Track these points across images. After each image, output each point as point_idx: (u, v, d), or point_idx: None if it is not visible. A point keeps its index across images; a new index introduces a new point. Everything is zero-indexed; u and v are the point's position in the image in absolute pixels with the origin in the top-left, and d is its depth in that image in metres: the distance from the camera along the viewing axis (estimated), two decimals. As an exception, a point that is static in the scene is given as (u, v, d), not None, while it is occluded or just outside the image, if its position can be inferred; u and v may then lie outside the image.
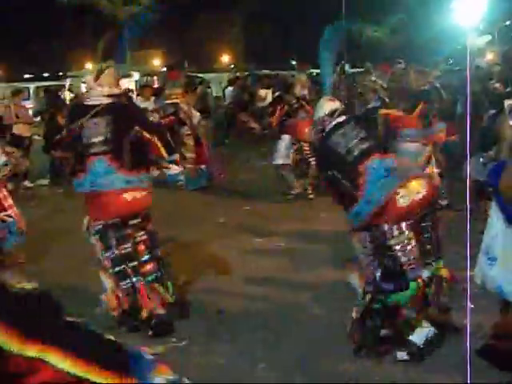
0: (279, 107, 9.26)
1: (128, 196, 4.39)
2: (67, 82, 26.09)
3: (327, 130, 3.97)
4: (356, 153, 3.80)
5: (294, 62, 25.59)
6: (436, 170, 7.58)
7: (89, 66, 33.24)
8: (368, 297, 3.87)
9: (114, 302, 4.48)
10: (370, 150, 3.82)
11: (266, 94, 13.54)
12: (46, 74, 45.02)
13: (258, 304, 4.85)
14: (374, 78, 8.49)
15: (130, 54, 30.25)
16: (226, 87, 17.48)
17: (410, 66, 9.33)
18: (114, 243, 4.43)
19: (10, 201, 5.88)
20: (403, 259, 3.78)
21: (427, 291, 3.86)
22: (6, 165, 6.14)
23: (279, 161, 8.80)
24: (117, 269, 4.45)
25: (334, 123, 3.96)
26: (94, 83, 4.55)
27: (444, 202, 7.53)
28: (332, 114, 4.00)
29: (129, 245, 4.44)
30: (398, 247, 3.78)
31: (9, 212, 5.74)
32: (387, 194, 3.71)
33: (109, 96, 4.50)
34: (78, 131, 4.44)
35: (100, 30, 30.67)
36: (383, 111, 4.05)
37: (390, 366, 3.84)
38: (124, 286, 4.45)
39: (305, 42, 34.39)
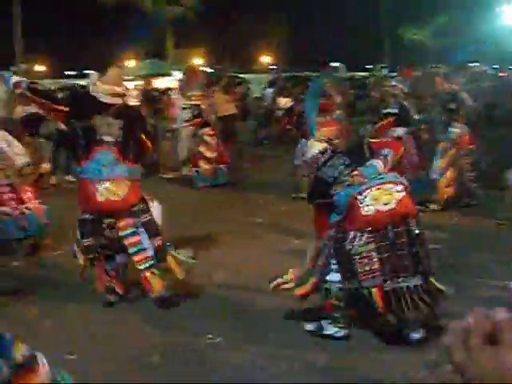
0: (287, 118, 9.33)
1: (121, 189, 4.77)
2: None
3: (319, 164, 4.31)
4: (342, 178, 4.12)
5: (333, 64, 25.55)
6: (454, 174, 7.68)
7: (130, 63, 33.69)
8: (311, 279, 4.22)
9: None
10: (352, 171, 4.12)
11: (286, 103, 13.50)
12: (89, 71, 45.77)
13: (294, 304, 4.89)
14: (394, 83, 8.49)
15: (172, 52, 30.61)
16: (266, 88, 17.53)
17: (437, 69, 9.34)
18: (94, 234, 4.86)
19: (29, 194, 6.40)
20: (359, 269, 3.94)
21: (385, 301, 3.96)
22: (29, 165, 6.44)
23: (296, 161, 8.84)
24: (90, 255, 4.91)
25: (324, 158, 4.30)
26: (98, 81, 4.97)
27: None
28: (323, 152, 4.32)
29: (105, 237, 4.86)
30: (357, 257, 3.94)
31: (27, 205, 6.30)
32: (349, 198, 4.00)
33: (113, 95, 4.87)
34: (90, 125, 4.79)
35: (142, 29, 31.18)
36: (371, 140, 4.51)
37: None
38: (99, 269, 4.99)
39: (342, 43, 34.30)
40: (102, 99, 4.88)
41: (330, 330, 4.20)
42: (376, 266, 3.93)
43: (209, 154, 9.97)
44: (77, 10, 36.55)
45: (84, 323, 4.76)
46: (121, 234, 4.82)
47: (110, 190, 4.74)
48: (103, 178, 4.73)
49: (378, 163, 4.05)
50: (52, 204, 7.22)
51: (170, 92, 13.24)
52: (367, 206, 3.93)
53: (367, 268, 3.93)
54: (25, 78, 5.28)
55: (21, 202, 6.30)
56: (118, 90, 4.95)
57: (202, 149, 9.94)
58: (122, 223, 4.82)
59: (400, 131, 8.20)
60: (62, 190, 10.10)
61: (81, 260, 4.98)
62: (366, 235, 3.95)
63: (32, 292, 5.41)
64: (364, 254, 3.93)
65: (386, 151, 4.15)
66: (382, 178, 4.04)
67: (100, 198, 4.73)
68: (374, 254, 3.93)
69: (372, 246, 3.94)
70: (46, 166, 10.13)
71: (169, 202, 8.95)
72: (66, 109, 4.88)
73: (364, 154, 4.22)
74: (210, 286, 5.41)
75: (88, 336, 4.53)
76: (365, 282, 3.95)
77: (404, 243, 3.95)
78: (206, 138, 9.96)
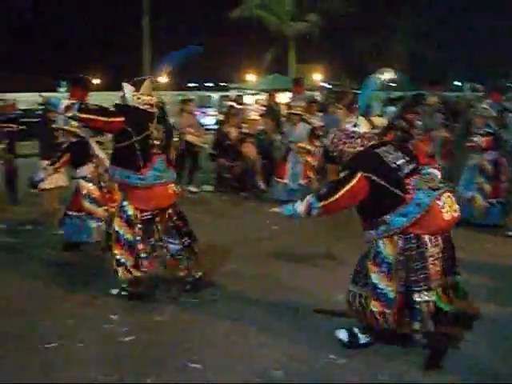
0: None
1: (171, 189, 5.45)
2: (232, 93, 27.20)
3: (372, 142, 4.33)
4: (406, 171, 4.14)
5: (458, 83, 24.74)
6: None
7: (251, 77, 34.29)
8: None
9: (128, 275, 5.38)
10: (415, 169, 4.18)
11: (382, 123, 13.19)
12: (208, 84, 47.18)
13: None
14: (485, 106, 8.20)
15: (293, 67, 30.86)
16: (386, 106, 17.24)
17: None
18: (155, 229, 5.42)
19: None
20: (432, 271, 4.08)
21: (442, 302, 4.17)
22: None
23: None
24: (151, 249, 5.41)
25: (373, 142, 4.35)
26: (135, 91, 5.30)
27: None
28: (371, 137, 4.42)
29: (164, 227, 5.47)
30: (431, 259, 4.08)
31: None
32: (433, 199, 4.03)
33: (151, 105, 5.36)
34: (148, 133, 5.26)
35: (265, 44, 31.70)
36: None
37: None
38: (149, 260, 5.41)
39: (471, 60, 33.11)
40: (148, 109, 5.34)
41: (364, 339, 4.44)
42: (440, 267, 4.12)
43: (314, 164, 9.97)
44: (201, 23, 37.88)
45: (206, 333, 4.84)
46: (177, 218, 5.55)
47: (171, 188, 5.47)
48: (163, 182, 5.33)
49: (438, 174, 4.20)
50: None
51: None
52: (447, 211, 4.07)
53: (437, 269, 4.11)
54: (75, 101, 5.47)
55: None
56: (155, 100, 5.44)
57: (309, 159, 9.93)
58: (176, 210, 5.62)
59: (494, 154, 8.08)
60: (186, 199, 10.40)
61: (129, 261, 5.35)
62: (439, 238, 4.11)
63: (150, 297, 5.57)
64: (436, 256, 4.10)
65: (439, 165, 4.44)
66: (445, 187, 4.19)
67: (169, 193, 5.45)
68: (440, 255, 4.12)
69: (440, 247, 4.12)
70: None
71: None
72: (121, 119, 5.13)
73: (417, 159, 4.29)
74: (332, 304, 5.34)
75: (209, 346, 4.59)
76: (433, 283, 4.10)
77: (448, 248, 4.20)
78: (310, 147, 9.93)
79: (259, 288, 5.80)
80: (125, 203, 5.37)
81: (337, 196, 4.15)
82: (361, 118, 4.52)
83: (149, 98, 5.35)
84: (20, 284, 5.96)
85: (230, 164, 10.89)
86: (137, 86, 5.34)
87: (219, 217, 9.08)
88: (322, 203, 4.23)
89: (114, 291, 5.54)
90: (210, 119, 16.31)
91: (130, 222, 5.33)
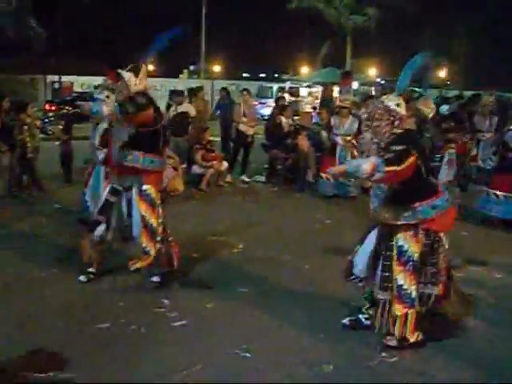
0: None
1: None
2: (287, 85, 27.12)
3: (408, 127, 4.42)
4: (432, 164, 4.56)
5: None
6: None
7: (305, 70, 34.14)
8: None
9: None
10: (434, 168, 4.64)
11: (430, 112, 12.80)
12: (262, 75, 47.19)
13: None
14: None
15: (349, 61, 30.56)
16: (441, 104, 16.86)
17: None
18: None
19: None
20: (440, 266, 4.29)
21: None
22: None
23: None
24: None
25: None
26: (135, 78, 5.20)
27: None
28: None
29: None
30: (441, 255, 4.30)
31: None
32: (454, 200, 4.52)
33: (148, 89, 5.33)
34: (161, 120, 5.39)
35: (322, 37, 31.50)
36: None
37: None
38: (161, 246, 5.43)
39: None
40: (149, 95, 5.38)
41: (413, 338, 4.41)
42: (446, 264, 4.37)
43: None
44: (257, 13, 37.83)
45: (258, 323, 4.81)
46: None
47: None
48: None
49: None
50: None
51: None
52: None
53: (445, 265, 4.33)
54: (110, 82, 5.67)
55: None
56: (149, 85, 5.43)
57: (356, 153, 9.77)
58: None
59: None
60: (237, 188, 10.45)
61: (151, 247, 5.31)
62: (446, 236, 4.36)
63: (203, 286, 5.58)
64: (445, 253, 4.32)
65: None
66: None
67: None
68: (447, 253, 4.36)
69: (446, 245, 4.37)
70: (225, 164, 10.55)
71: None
72: (153, 107, 5.23)
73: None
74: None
75: (260, 335, 4.56)
76: (439, 278, 4.30)
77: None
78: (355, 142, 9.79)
79: (313, 281, 5.74)
80: (145, 187, 5.33)
81: (402, 166, 4.05)
82: (402, 101, 4.33)
83: (145, 84, 5.30)
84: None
85: (284, 156, 10.83)
86: (136, 72, 5.26)
87: (269, 208, 9.05)
88: (387, 168, 4.05)
89: (156, 278, 5.53)
90: (269, 110, 16.39)
91: (153, 206, 5.35)
